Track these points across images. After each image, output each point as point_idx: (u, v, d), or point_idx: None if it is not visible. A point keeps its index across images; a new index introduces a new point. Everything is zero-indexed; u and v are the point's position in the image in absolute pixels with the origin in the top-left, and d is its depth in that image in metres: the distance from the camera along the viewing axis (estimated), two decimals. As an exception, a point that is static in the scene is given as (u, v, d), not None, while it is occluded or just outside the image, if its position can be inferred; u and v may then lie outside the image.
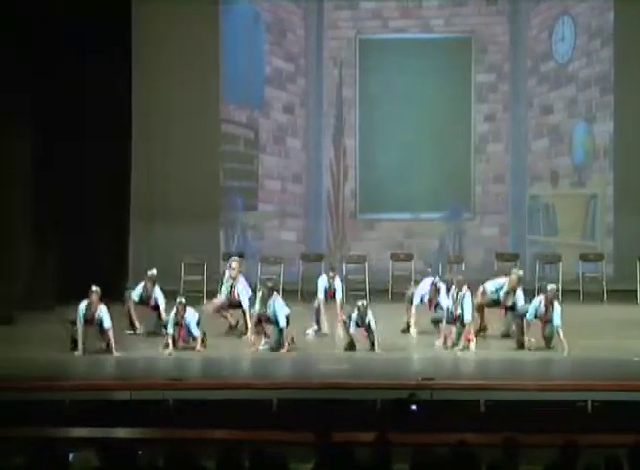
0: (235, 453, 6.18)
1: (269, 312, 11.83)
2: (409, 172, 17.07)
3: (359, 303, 11.86)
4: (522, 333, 12.08)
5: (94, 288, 11.64)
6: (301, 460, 6.77)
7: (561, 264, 15.68)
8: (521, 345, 12.07)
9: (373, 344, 11.69)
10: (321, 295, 12.99)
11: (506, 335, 12.45)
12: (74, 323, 11.64)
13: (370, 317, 11.70)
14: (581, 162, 16.98)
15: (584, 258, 16.19)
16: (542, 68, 17.05)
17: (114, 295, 12.65)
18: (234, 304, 12.78)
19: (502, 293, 12.46)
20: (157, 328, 12.49)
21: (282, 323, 11.77)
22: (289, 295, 13.88)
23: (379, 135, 17.15)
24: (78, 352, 11.57)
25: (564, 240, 16.76)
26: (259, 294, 12.10)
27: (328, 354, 11.50)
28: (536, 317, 11.90)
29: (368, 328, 11.72)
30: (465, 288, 12.03)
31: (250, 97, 17.19)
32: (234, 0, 17.18)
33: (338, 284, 13.21)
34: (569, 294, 15.17)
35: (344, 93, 17.29)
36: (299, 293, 15.43)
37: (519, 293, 12.35)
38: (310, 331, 12.82)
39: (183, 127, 16.57)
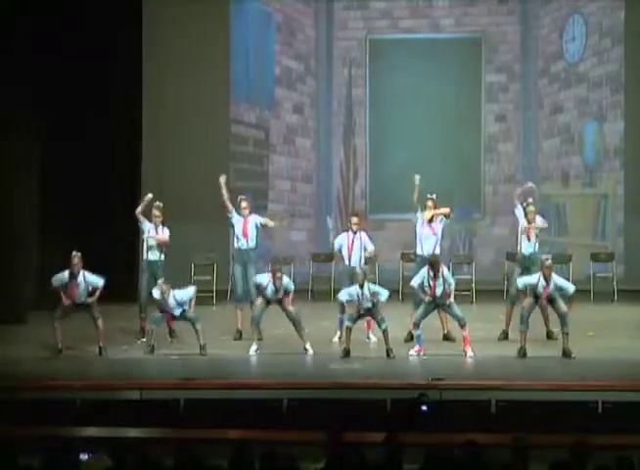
0: (245, 453, 6.20)
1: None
2: (419, 172, 16.97)
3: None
4: (509, 321, 12.10)
5: (74, 252, 11.53)
6: (312, 460, 6.78)
7: (571, 264, 15.64)
8: (505, 336, 12.18)
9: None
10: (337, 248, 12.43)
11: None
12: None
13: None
14: (592, 161, 16.95)
15: (595, 258, 16.16)
16: (553, 67, 17.03)
17: (123, 294, 12.63)
18: None
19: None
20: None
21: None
22: (299, 295, 13.84)
23: (389, 135, 17.14)
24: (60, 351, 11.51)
25: (574, 240, 16.73)
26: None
27: (338, 354, 11.48)
28: (536, 297, 11.41)
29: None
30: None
31: (260, 97, 17.21)
32: (244, 0, 17.21)
33: (365, 237, 12.51)
34: (579, 294, 15.09)
35: (355, 93, 17.29)
36: (309, 293, 15.42)
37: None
38: (372, 338, 12.27)
39: (193, 128, 16.59)
